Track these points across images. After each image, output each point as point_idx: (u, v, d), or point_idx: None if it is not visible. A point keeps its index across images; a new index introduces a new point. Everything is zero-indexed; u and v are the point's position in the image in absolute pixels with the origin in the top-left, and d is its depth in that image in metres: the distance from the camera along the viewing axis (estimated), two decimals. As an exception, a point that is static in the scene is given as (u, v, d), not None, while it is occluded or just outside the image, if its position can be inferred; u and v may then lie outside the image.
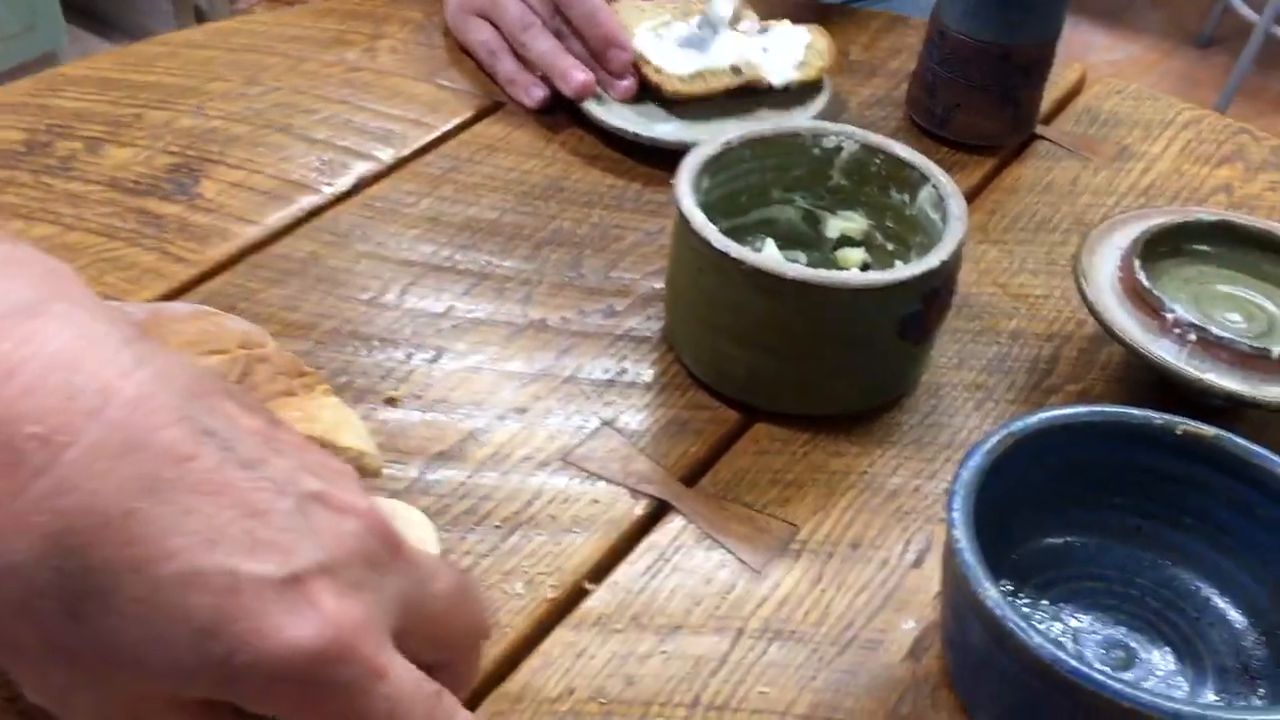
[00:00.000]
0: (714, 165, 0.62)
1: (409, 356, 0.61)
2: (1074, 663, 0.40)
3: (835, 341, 0.57)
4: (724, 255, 0.56)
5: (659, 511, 0.55)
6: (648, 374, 0.61)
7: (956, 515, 0.45)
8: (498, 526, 0.53)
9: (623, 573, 0.52)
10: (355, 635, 0.32)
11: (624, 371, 0.61)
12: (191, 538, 0.31)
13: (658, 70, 0.77)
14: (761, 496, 0.56)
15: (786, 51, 0.80)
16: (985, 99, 0.78)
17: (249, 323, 0.46)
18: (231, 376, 0.41)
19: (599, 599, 0.51)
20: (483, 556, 0.52)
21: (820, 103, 0.79)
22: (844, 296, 0.55)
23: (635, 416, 0.59)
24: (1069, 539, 0.52)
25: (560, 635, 0.49)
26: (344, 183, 0.72)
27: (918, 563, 0.53)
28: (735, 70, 0.78)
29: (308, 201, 0.70)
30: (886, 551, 0.54)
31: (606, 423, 0.58)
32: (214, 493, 0.32)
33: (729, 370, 0.60)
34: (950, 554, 0.45)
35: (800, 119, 0.78)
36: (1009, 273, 0.70)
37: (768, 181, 0.65)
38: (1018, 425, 0.49)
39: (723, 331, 0.59)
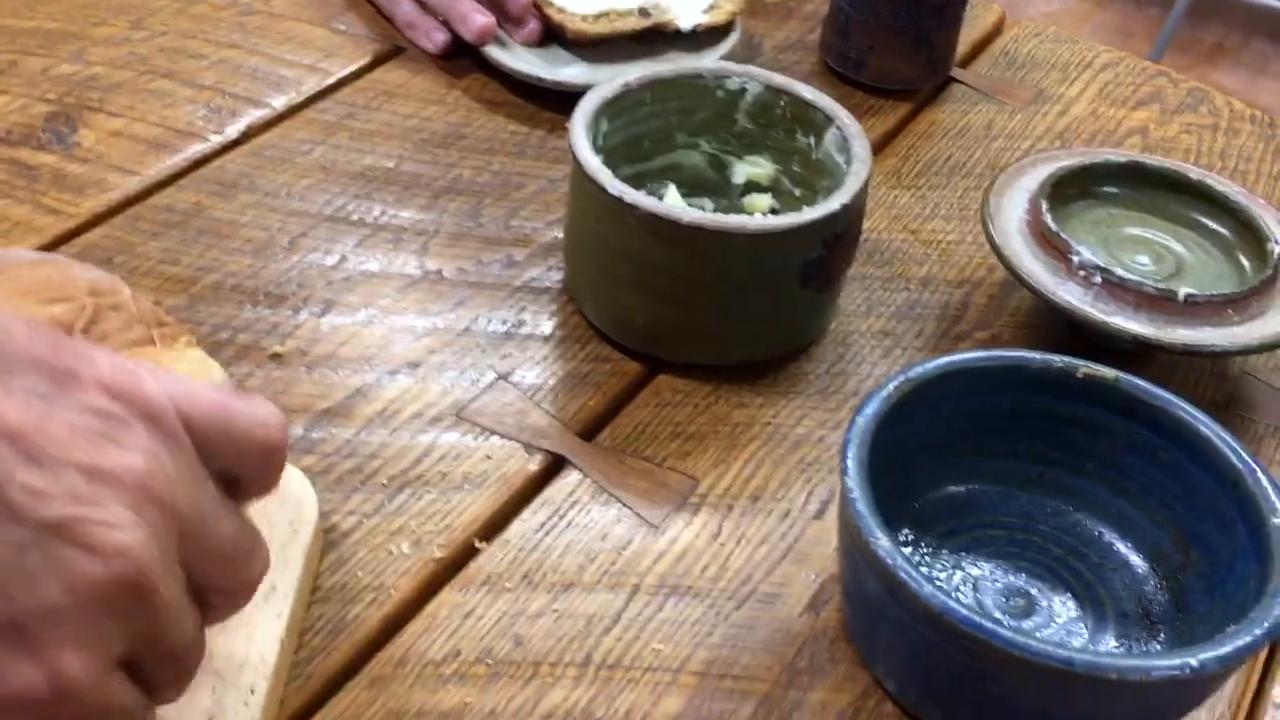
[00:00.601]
0: (613, 108, 0.60)
1: (296, 311, 0.58)
2: (964, 612, 0.39)
3: (735, 289, 0.55)
4: (620, 201, 0.54)
5: (555, 467, 0.53)
6: (547, 326, 0.59)
7: (850, 464, 0.44)
8: (384, 485, 0.51)
9: (515, 530, 0.50)
10: (77, 685, 0.30)
11: (522, 324, 0.59)
12: None
13: (560, 10, 0.75)
14: (661, 450, 0.54)
15: (696, -5, 0.78)
16: (899, 41, 0.77)
17: (102, 271, 0.43)
18: (79, 325, 0.38)
19: (489, 558, 0.49)
20: (367, 517, 0.50)
21: (730, 45, 0.77)
22: (742, 242, 0.53)
23: (533, 370, 0.57)
24: (971, 487, 0.51)
25: (447, 596, 0.47)
26: (233, 130, 0.69)
27: (820, 514, 0.52)
28: (642, 12, 0.76)
29: (193, 150, 0.67)
30: (788, 503, 0.52)
31: (502, 376, 0.56)
32: None
33: (630, 320, 0.58)
34: (844, 503, 0.43)
35: (709, 62, 0.76)
36: (920, 218, 0.69)
37: (671, 125, 0.63)
38: (915, 372, 0.48)
39: (622, 281, 0.57)
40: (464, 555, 0.49)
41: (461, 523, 0.50)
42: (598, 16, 0.75)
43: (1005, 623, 0.41)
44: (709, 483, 0.53)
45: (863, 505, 0.42)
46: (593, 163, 0.55)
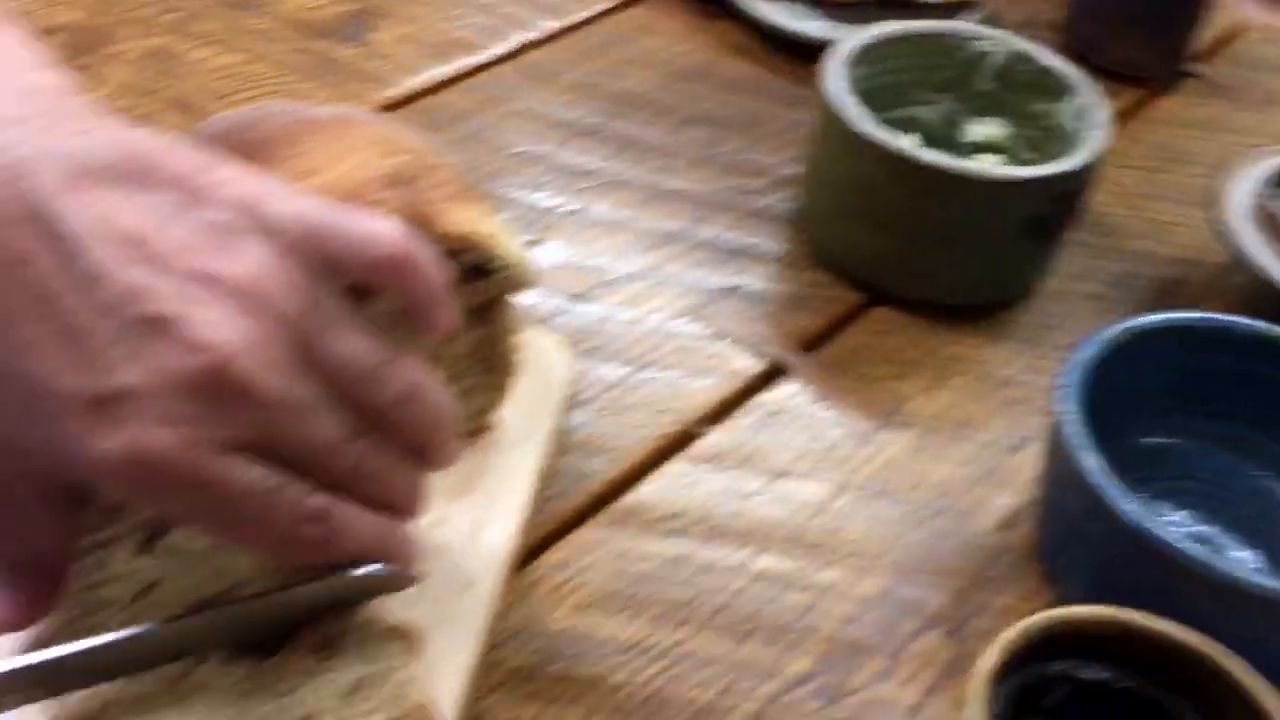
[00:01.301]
0: (864, 56, 0.64)
1: (553, 208, 0.64)
2: (1159, 529, 0.42)
3: (960, 232, 0.59)
4: (862, 138, 0.58)
5: (775, 372, 0.58)
6: (776, 248, 0.64)
7: (1066, 389, 0.47)
8: (626, 364, 0.56)
9: (737, 420, 0.55)
10: (162, 459, 0.32)
11: (755, 245, 0.64)
12: (7, 341, 0.32)
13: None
14: (874, 371, 0.58)
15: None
16: (1139, 31, 0.79)
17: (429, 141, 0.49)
18: (406, 175, 0.44)
19: (713, 440, 0.54)
20: (610, 387, 0.55)
21: (972, 19, 0.80)
22: (974, 187, 0.57)
23: (760, 285, 0.62)
24: (1172, 440, 0.54)
25: (673, 466, 0.53)
26: (504, 47, 0.75)
27: (1019, 448, 0.55)
28: (892, -23, 0.80)
29: (468, 61, 0.74)
30: (990, 434, 0.56)
31: (733, 288, 0.61)
32: (39, 301, 0.32)
33: (857, 252, 0.62)
34: (1055, 426, 0.47)
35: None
36: (1144, 198, 0.71)
37: (914, 80, 0.67)
38: (1135, 323, 0.51)
39: (855, 214, 0.61)
40: (690, 436, 0.54)
41: (690, 406, 0.55)
42: (849, -23, 0.79)
43: (1197, 551, 0.44)
44: (916, 405, 0.57)
45: (1074, 427, 0.46)
46: (842, 100, 0.59)
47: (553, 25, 0.77)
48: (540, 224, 0.63)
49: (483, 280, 0.46)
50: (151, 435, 0.32)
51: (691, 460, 0.53)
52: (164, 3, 0.74)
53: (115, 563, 0.39)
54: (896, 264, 0.61)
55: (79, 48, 0.70)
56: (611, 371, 0.56)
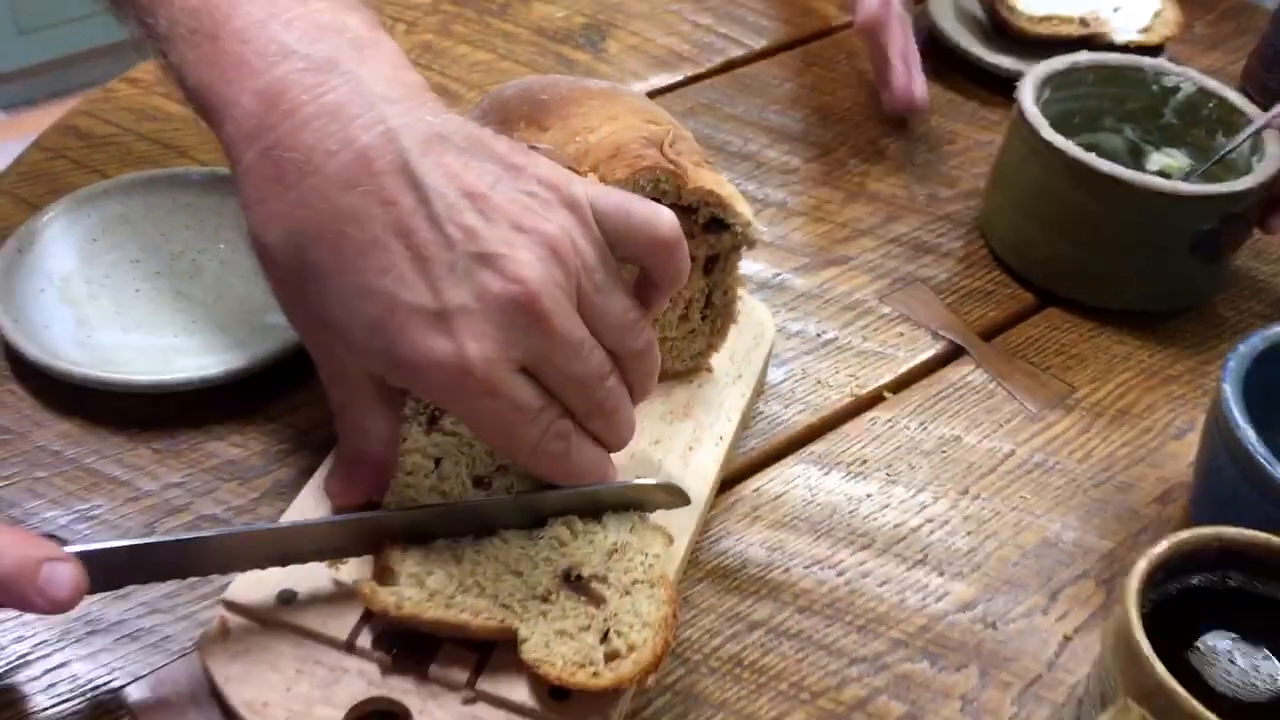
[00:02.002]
0: (1058, 79, 0.70)
1: (762, 198, 0.72)
2: (1312, 493, 0.47)
3: (1131, 239, 0.65)
4: (1049, 145, 0.64)
5: (955, 353, 0.64)
6: (959, 248, 0.70)
7: (1231, 367, 0.52)
8: (818, 335, 0.64)
9: (917, 391, 0.62)
10: (478, 369, 0.41)
11: (940, 244, 0.71)
12: (371, 262, 0.42)
13: (1011, 9, 0.85)
14: (1046, 360, 0.64)
15: (1135, 15, 0.87)
16: (1321, 82, 0.83)
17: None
18: (666, 142, 0.52)
19: (894, 405, 0.61)
20: (807, 353, 0.62)
21: (1159, 60, 0.85)
22: (1145, 197, 0.63)
23: (944, 279, 0.68)
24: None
25: (857, 423, 0.59)
26: (718, 59, 0.84)
27: (1180, 435, 0.60)
28: (1083, 22, 0.86)
29: (687, 70, 0.83)
30: (1152, 422, 0.61)
31: (919, 279, 0.68)
32: (399, 234, 0.42)
33: (1032, 254, 0.68)
34: (1217, 402, 0.52)
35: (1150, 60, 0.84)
36: (1314, 234, 0.75)
37: (1103, 108, 0.73)
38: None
39: (1034, 217, 0.67)
40: (875, 399, 0.61)
41: (875, 375, 0.62)
42: (1043, 19, 0.85)
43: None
44: (1085, 393, 0.62)
45: (1234, 402, 0.51)
46: (1032, 110, 0.66)
47: (763, 44, 0.86)
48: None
49: (716, 235, 0.54)
50: (472, 345, 0.41)
51: (873, 419, 0.60)
52: (432, 5, 0.85)
53: (411, 438, 0.49)
54: (1067, 266, 0.67)
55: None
56: (806, 341, 0.63)
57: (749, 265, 0.67)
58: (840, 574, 0.52)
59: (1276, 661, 0.40)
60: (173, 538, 0.43)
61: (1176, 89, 0.71)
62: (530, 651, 0.43)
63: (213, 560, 0.44)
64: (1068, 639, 0.51)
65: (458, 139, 0.44)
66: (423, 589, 0.44)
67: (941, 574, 0.53)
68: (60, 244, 0.60)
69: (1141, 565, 0.40)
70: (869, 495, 0.56)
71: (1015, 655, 0.50)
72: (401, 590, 0.44)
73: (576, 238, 0.44)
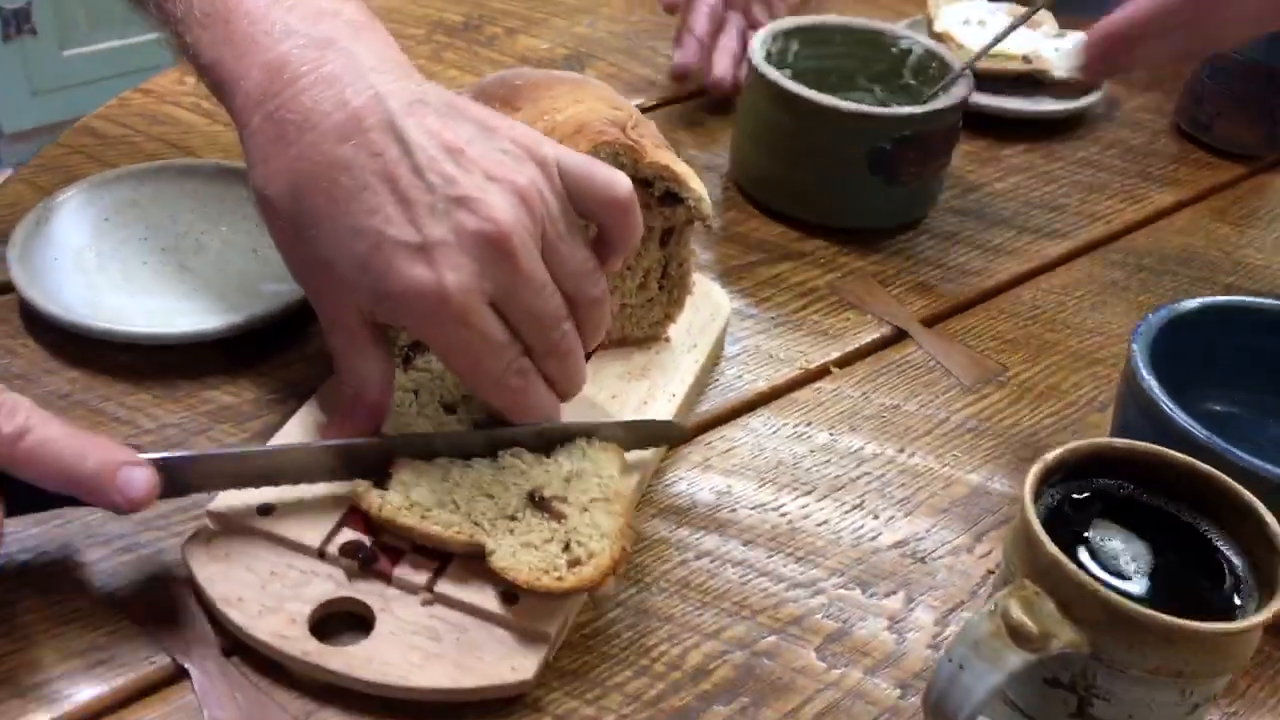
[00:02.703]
0: (803, 35, 0.79)
1: (724, 200, 0.78)
2: (1204, 431, 0.52)
3: (820, 154, 0.74)
4: (761, 76, 0.74)
5: (897, 337, 0.69)
6: (905, 244, 0.76)
7: (1140, 331, 0.57)
8: (772, 317, 0.69)
9: (861, 367, 0.67)
10: (453, 295, 0.46)
11: (890, 243, 0.76)
12: (360, 205, 0.47)
13: (959, 46, 0.92)
14: (983, 345, 0.69)
15: (1075, 54, 0.94)
16: (1246, 112, 0.89)
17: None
18: (629, 124, 0.58)
19: (840, 378, 0.66)
20: (761, 333, 0.68)
21: (1095, 98, 0.92)
22: (830, 115, 0.72)
23: (892, 274, 0.74)
24: (1231, 410, 0.63)
25: (803, 392, 0.64)
26: (691, 86, 0.91)
27: (1102, 409, 0.65)
28: (1025, 59, 0.93)
29: (660, 95, 0.89)
30: (1077, 396, 0.66)
31: (868, 272, 0.73)
32: (386, 180, 0.47)
33: (749, 172, 0.81)
34: (1127, 363, 0.57)
35: (1076, 104, 0.91)
36: (1235, 246, 0.81)
37: (854, 69, 0.81)
38: (1205, 300, 0.61)
39: (752, 139, 0.78)
40: (821, 372, 0.66)
41: (823, 352, 0.67)
42: (989, 56, 0.92)
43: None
44: (1016, 372, 0.68)
45: (1139, 357, 0.56)
46: (757, 53, 0.75)
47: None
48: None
49: (671, 208, 0.59)
50: (450, 275, 0.47)
51: (818, 389, 0.65)
52: (425, 35, 0.92)
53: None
54: (776, 182, 0.76)
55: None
56: (759, 322, 0.69)
57: (708, 255, 0.73)
58: (783, 515, 0.57)
59: (1144, 546, 0.44)
60: (234, 449, 0.48)
61: (910, 51, 0.80)
62: (498, 561, 0.48)
63: (260, 472, 0.49)
64: (990, 572, 0.55)
65: (438, 103, 0.50)
66: (404, 499, 0.49)
67: (876, 517, 0.57)
68: (75, 221, 0.66)
69: (1038, 465, 0.45)
70: (811, 451, 0.61)
71: (941, 585, 0.54)
72: (388, 495, 0.49)
73: (543, 189, 0.49)
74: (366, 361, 0.51)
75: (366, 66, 0.50)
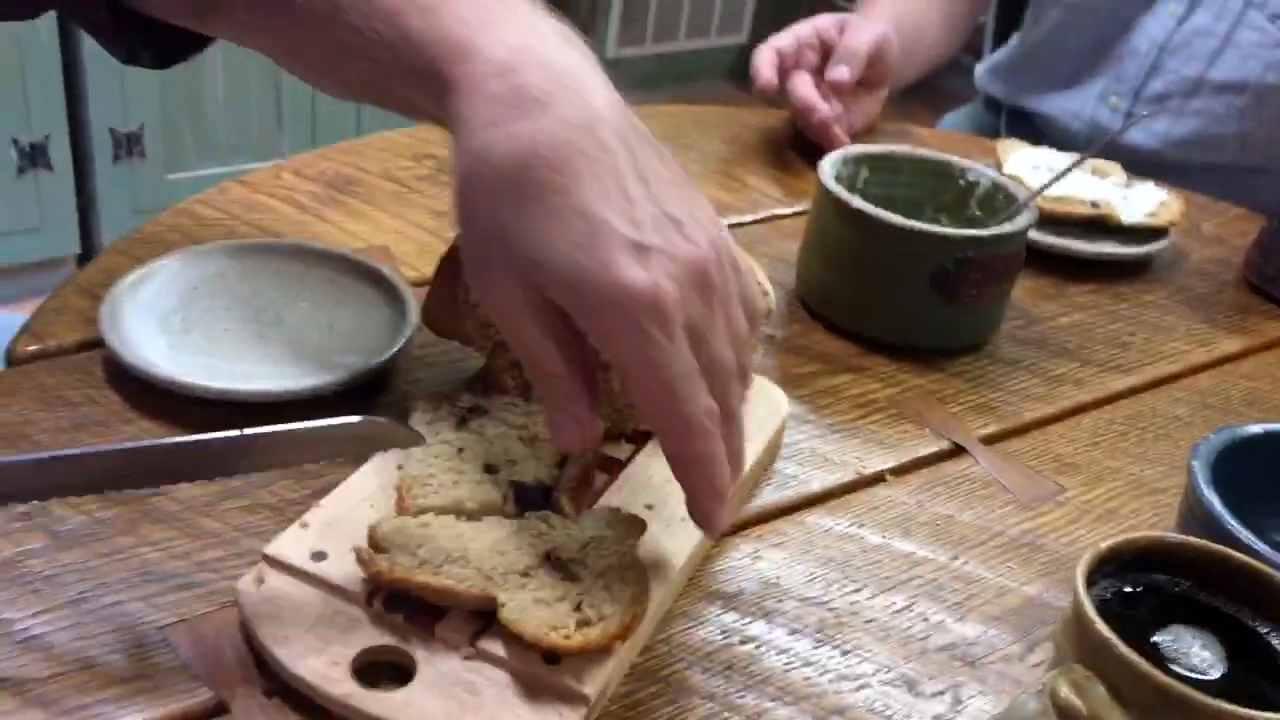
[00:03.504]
0: (873, 161, 0.82)
1: (787, 314, 0.79)
2: (1267, 547, 0.51)
3: (881, 269, 0.75)
4: (828, 192, 0.76)
5: (954, 452, 0.69)
6: (954, 364, 0.77)
7: (1200, 449, 0.57)
8: (832, 425, 0.69)
9: (917, 477, 0.67)
10: (667, 302, 0.44)
11: (947, 363, 0.77)
12: (590, 190, 0.46)
13: (1028, 187, 0.94)
14: (1041, 466, 0.69)
15: (1142, 202, 0.96)
16: (1316, 269, 0.90)
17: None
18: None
19: (894, 486, 0.66)
20: (816, 437, 0.68)
21: (1161, 245, 0.93)
22: (894, 232, 0.73)
23: (950, 393, 0.74)
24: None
25: (859, 495, 0.64)
26: (762, 213, 0.94)
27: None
28: (1094, 204, 0.94)
29: (732, 218, 0.92)
30: (1138, 521, 0.65)
31: (929, 390, 0.74)
32: (615, 178, 0.46)
33: (811, 284, 0.82)
34: (1188, 481, 0.56)
35: (1142, 249, 0.92)
36: (1304, 392, 0.80)
37: (923, 199, 0.83)
38: (1275, 426, 0.60)
39: (816, 254, 0.81)
40: (876, 479, 0.66)
41: (880, 461, 0.67)
42: (1057, 199, 0.94)
43: None
44: (1075, 493, 0.67)
45: (1200, 474, 0.55)
46: (826, 173, 0.78)
47: (801, 207, 0.95)
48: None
49: (738, 299, 0.61)
50: (665, 282, 0.45)
51: (871, 494, 0.65)
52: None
53: (443, 431, 0.56)
54: (836, 293, 0.78)
55: (444, 168, 0.92)
56: (818, 428, 0.69)
57: (769, 362, 0.74)
58: (830, 609, 0.56)
59: (1198, 640, 0.43)
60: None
61: (977, 183, 0.82)
62: (508, 614, 0.48)
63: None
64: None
65: (651, 138, 0.50)
66: (414, 557, 0.50)
67: (926, 620, 0.56)
68: (166, 287, 0.69)
69: (1091, 551, 0.44)
70: (863, 551, 0.60)
71: (991, 690, 0.53)
72: (394, 556, 0.50)
73: (728, 249, 0.49)
74: (542, 344, 0.48)
75: (600, 77, 0.50)
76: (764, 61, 1.04)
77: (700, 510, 0.48)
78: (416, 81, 0.50)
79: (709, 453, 0.47)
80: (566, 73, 0.48)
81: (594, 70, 0.50)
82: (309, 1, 0.52)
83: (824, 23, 1.08)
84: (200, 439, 0.49)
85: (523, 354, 0.49)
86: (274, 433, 0.49)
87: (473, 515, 0.53)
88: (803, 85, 1.03)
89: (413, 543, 0.50)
